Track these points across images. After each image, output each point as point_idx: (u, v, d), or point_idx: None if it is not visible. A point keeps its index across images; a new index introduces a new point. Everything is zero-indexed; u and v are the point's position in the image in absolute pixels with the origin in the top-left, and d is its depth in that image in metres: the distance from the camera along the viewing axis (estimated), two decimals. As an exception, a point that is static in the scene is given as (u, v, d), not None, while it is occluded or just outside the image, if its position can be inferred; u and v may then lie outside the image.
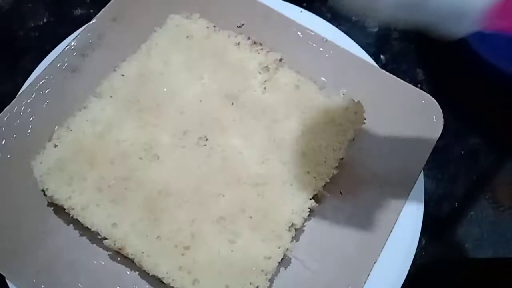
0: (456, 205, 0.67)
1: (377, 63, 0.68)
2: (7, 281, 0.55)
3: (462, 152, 0.69)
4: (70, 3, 0.81)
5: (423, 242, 0.59)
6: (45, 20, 0.80)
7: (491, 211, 0.67)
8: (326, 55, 0.67)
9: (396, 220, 0.58)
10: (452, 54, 0.73)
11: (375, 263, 0.56)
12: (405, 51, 0.78)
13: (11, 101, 0.63)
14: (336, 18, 0.72)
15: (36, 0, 0.82)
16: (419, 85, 0.70)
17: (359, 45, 0.69)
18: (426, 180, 0.61)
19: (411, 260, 0.57)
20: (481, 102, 0.73)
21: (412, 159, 0.61)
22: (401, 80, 0.65)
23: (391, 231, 0.58)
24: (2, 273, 0.54)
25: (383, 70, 0.67)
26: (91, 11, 0.80)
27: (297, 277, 0.56)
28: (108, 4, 0.70)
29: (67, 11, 0.81)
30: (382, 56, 0.77)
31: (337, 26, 0.71)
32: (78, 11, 0.81)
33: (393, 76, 0.66)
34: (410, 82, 0.66)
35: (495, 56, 0.71)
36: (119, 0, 0.70)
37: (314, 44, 0.68)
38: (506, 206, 0.67)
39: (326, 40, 0.68)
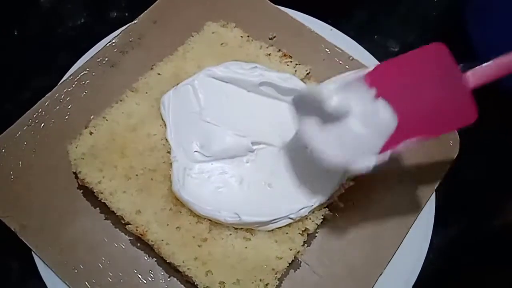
0: (466, 224, 0.69)
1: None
2: (33, 255, 0.58)
3: (474, 173, 0.71)
4: (106, 6, 0.86)
5: (431, 257, 0.61)
6: (82, 21, 0.84)
7: (500, 231, 0.68)
8: (351, 73, 0.70)
9: (405, 235, 0.61)
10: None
11: (380, 274, 0.59)
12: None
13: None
14: (359, 36, 0.76)
15: (75, 1, 0.86)
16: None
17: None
18: (437, 198, 0.63)
19: (417, 275, 0.59)
20: (495, 124, 0.75)
21: (426, 178, 0.63)
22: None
23: (399, 245, 0.60)
24: (30, 247, 0.58)
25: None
26: (126, 14, 0.85)
27: (305, 280, 0.58)
28: (150, 7, 0.75)
29: (104, 13, 0.85)
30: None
31: (360, 44, 0.74)
32: (114, 14, 0.85)
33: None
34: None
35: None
36: (161, 4, 0.75)
37: (340, 62, 0.71)
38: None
39: (352, 59, 0.71)
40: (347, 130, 0.51)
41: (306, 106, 0.54)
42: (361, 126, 0.51)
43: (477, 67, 0.51)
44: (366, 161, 0.51)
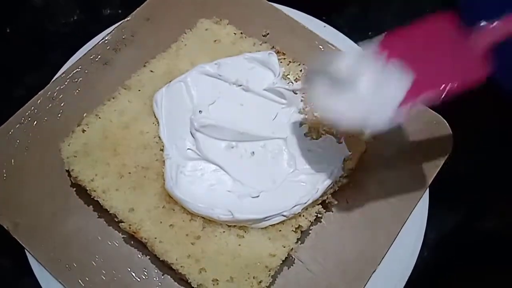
0: (459, 222, 0.69)
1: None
2: (26, 253, 0.58)
3: (468, 169, 0.71)
4: (100, 3, 0.85)
5: (425, 253, 0.61)
6: (75, 18, 0.84)
7: (493, 229, 0.69)
8: (345, 70, 0.70)
9: (398, 232, 0.61)
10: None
11: (374, 271, 0.59)
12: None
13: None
14: (353, 32, 0.75)
15: (68, -2, 0.86)
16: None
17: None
18: (431, 195, 0.63)
19: (410, 272, 0.59)
20: (491, 121, 0.75)
21: (420, 175, 0.64)
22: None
23: (392, 242, 0.60)
24: (23, 245, 0.58)
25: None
26: (120, 11, 0.84)
27: (298, 277, 0.58)
28: (143, 4, 0.75)
29: (97, 10, 0.85)
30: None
31: (354, 41, 0.74)
32: (107, 11, 0.85)
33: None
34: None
35: (507, 76, 0.72)
36: (154, 2, 0.75)
37: (334, 58, 0.71)
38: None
39: (346, 56, 0.71)
40: (360, 93, 0.52)
41: (318, 78, 0.54)
42: (373, 87, 0.52)
43: (483, 27, 0.52)
44: (381, 118, 0.51)
